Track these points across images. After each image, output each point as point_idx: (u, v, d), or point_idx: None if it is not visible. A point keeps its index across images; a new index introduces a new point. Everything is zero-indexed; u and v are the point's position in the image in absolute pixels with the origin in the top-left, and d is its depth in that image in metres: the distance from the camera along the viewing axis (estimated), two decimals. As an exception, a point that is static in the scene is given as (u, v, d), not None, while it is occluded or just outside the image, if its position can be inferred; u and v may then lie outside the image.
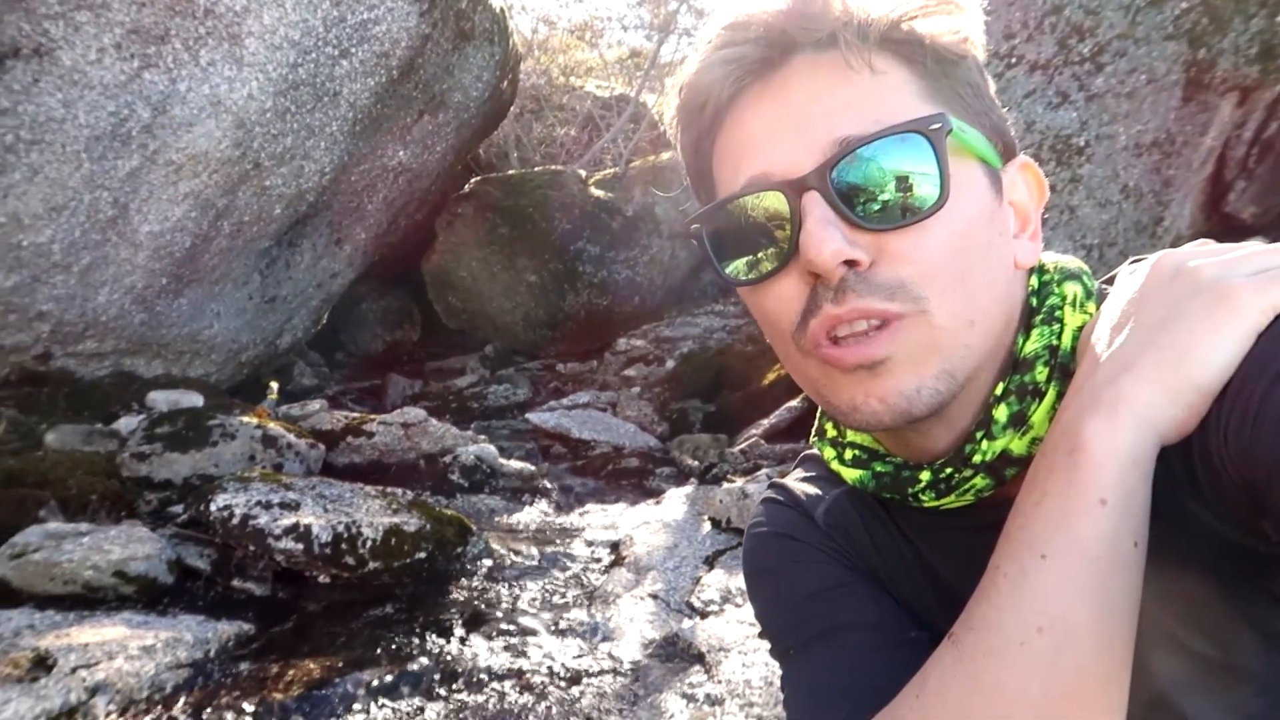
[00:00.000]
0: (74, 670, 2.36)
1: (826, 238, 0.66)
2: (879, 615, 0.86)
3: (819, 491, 0.95)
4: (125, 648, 2.52)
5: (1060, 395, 0.72)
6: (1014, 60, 4.37)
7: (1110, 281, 0.83)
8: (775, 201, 0.71)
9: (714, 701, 2.52)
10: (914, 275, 0.68)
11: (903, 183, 0.67)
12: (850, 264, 0.67)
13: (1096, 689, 0.60)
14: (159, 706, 2.35)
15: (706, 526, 3.98)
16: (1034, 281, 0.79)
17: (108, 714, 2.27)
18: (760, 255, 0.74)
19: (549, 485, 5.01)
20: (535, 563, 3.72)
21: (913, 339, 0.68)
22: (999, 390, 0.74)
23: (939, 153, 0.67)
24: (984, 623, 0.64)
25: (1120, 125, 4.19)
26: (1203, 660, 0.66)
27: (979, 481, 0.74)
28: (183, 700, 2.39)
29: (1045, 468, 0.64)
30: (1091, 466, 0.60)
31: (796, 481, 0.99)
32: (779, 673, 0.90)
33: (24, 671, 2.34)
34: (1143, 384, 0.61)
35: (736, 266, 0.76)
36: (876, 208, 0.68)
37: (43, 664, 2.39)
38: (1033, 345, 0.74)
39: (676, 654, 2.86)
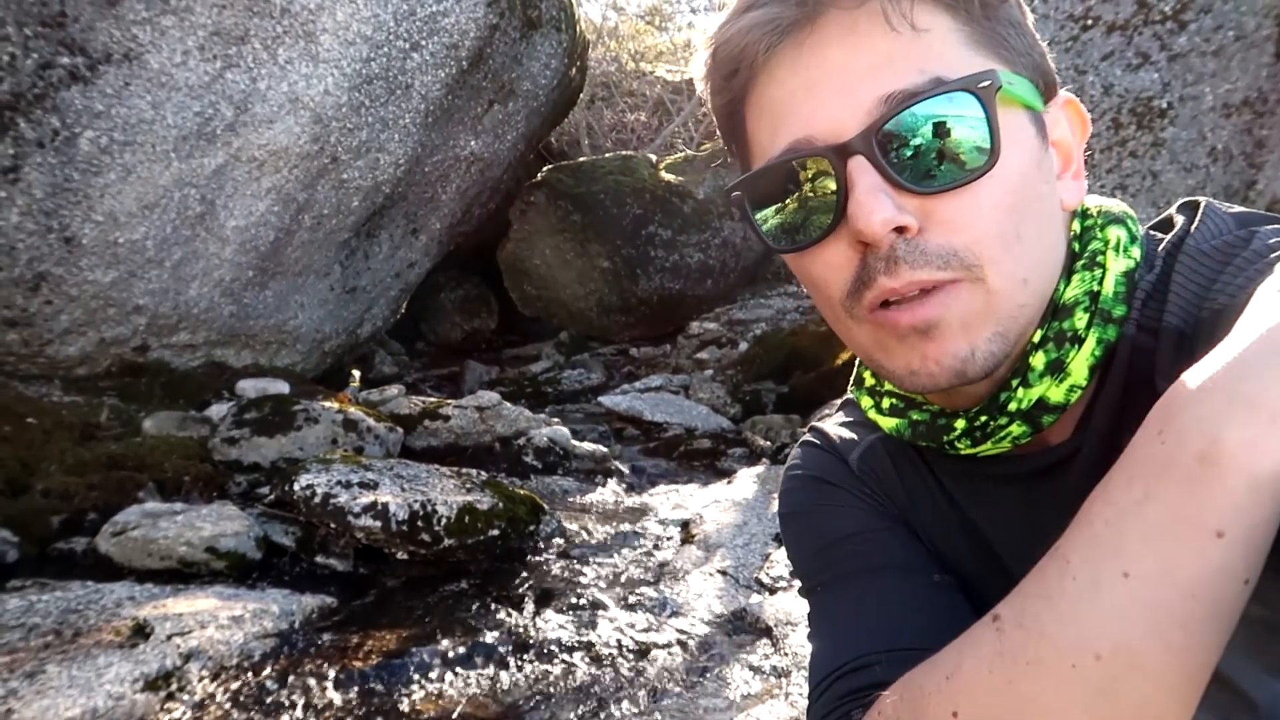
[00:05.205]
0: (169, 638, 2.50)
1: (876, 206, 0.64)
2: (907, 558, 0.86)
3: (855, 436, 0.95)
4: (216, 618, 2.65)
5: (1100, 342, 0.70)
6: (1090, 22, 4.20)
7: (1158, 227, 0.80)
8: (819, 166, 0.69)
9: (780, 674, 2.53)
10: (966, 243, 0.66)
11: (952, 144, 0.65)
12: (900, 230, 0.66)
13: None
14: (248, 672, 2.47)
15: (777, 505, 3.97)
16: (1076, 226, 0.77)
17: (200, 678, 2.40)
18: (805, 221, 0.72)
19: (621, 466, 5.05)
20: (606, 541, 3.76)
21: (966, 303, 0.67)
22: (1036, 337, 0.72)
23: (989, 111, 0.65)
24: (1035, 624, 0.56)
25: (1206, 85, 3.99)
26: (1245, 618, 0.64)
27: (1015, 429, 0.74)
28: (269, 667, 2.51)
29: (1159, 460, 0.51)
30: (1221, 489, 0.47)
31: (834, 425, 1.00)
32: (808, 612, 0.91)
33: (124, 639, 2.49)
34: None
35: (780, 232, 0.75)
36: (925, 171, 0.66)
37: (141, 632, 2.53)
38: (1073, 291, 0.72)
39: (744, 628, 2.88)
